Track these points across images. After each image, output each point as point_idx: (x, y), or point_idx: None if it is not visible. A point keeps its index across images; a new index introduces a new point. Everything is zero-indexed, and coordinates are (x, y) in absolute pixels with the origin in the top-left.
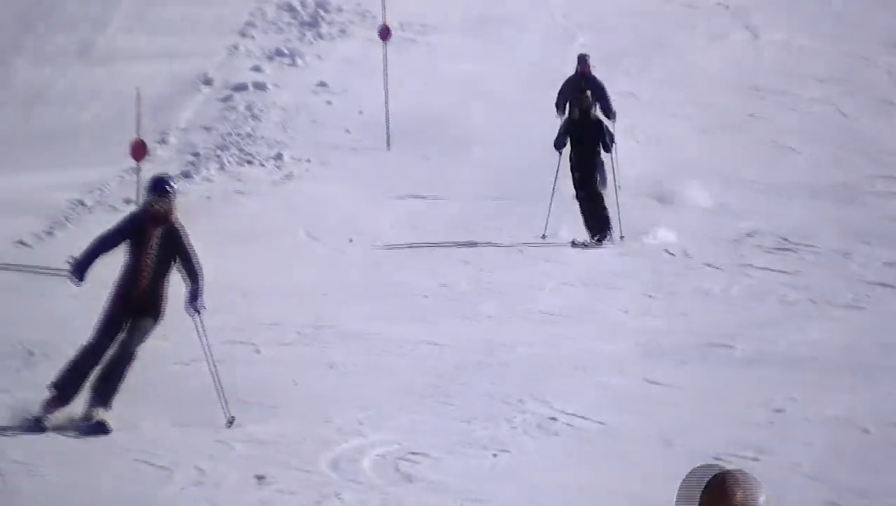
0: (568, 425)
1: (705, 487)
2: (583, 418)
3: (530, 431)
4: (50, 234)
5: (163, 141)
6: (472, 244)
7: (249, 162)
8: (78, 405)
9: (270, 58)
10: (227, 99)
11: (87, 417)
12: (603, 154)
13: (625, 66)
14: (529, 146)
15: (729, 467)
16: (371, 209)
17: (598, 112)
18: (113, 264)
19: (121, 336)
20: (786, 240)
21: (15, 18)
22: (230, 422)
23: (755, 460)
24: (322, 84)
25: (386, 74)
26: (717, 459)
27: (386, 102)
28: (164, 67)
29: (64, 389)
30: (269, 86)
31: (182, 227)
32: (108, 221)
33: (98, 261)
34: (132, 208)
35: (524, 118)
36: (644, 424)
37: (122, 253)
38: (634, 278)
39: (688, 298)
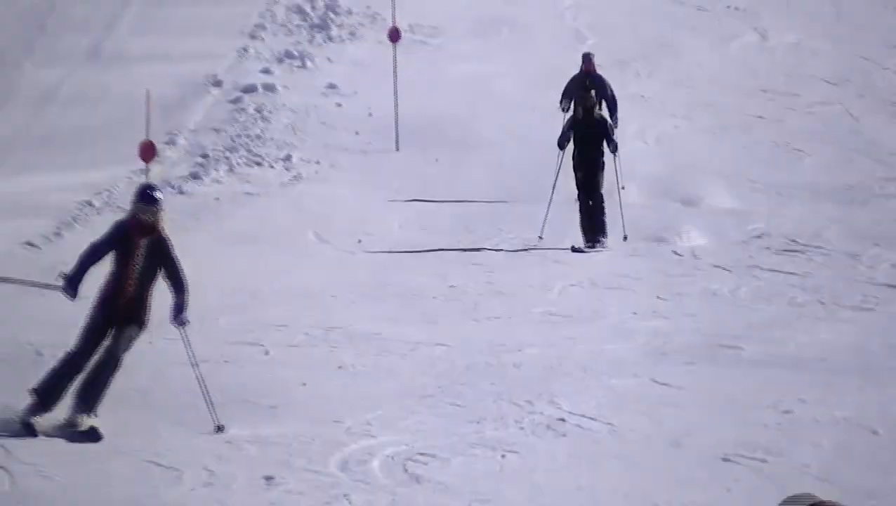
0: (577, 426)
1: None
2: (591, 418)
3: (539, 432)
4: (58, 235)
5: (172, 142)
6: (481, 246)
7: (258, 164)
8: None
9: (280, 60)
10: (236, 101)
11: (71, 423)
12: (606, 154)
13: (633, 68)
14: (540, 148)
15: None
16: (380, 211)
17: (602, 111)
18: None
19: (105, 343)
20: (794, 241)
21: (24, 20)
22: (219, 429)
23: (763, 461)
24: (331, 86)
25: (395, 77)
26: (726, 459)
27: (395, 104)
28: (174, 69)
29: (45, 395)
30: (279, 88)
31: (168, 238)
32: None
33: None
34: None
35: (534, 120)
36: (652, 425)
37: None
38: (642, 280)
39: (696, 300)
